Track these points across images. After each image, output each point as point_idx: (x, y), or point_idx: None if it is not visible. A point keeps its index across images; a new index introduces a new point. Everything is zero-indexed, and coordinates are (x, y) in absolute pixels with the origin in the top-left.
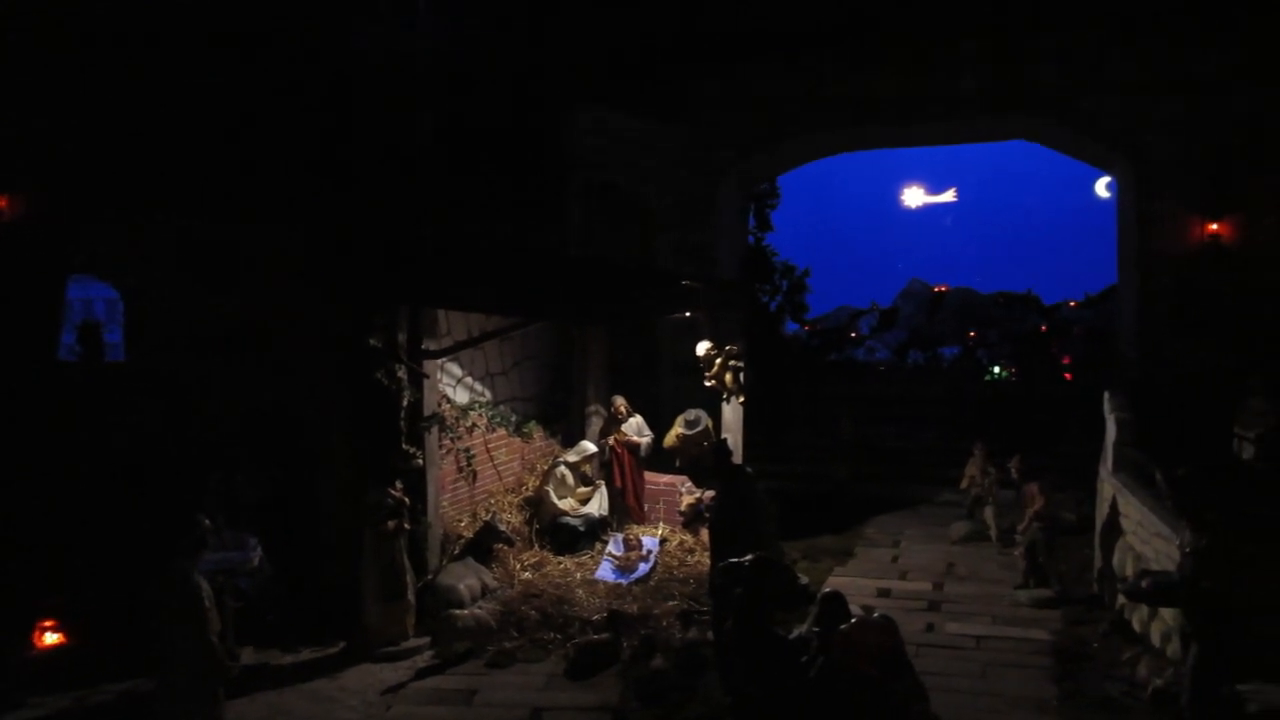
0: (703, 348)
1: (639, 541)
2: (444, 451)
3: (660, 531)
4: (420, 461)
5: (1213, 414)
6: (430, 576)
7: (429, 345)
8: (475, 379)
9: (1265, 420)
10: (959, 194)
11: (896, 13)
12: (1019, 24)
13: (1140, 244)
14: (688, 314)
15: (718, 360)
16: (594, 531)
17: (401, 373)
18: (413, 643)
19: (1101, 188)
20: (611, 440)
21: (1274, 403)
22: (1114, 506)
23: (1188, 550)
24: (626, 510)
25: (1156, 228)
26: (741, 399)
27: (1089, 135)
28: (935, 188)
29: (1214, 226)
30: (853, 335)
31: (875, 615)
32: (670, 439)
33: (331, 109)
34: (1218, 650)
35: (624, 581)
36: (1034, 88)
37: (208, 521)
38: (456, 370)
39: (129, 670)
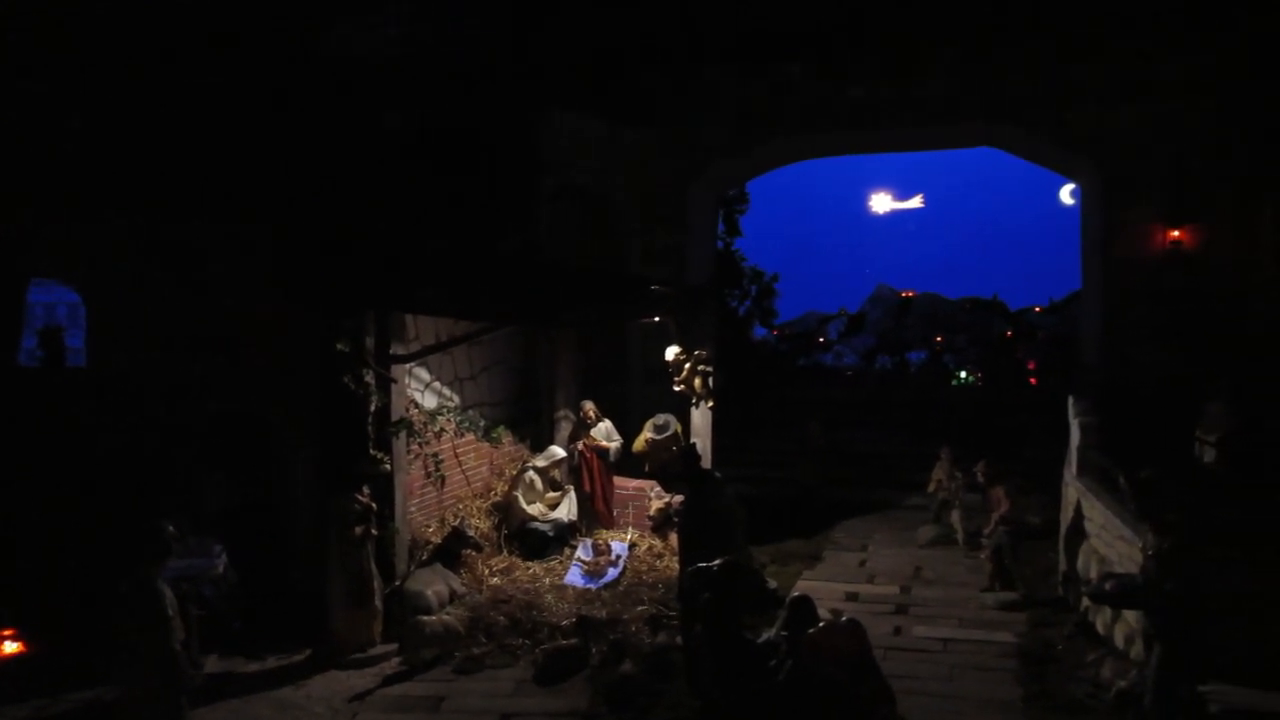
0: (672, 352)
1: (608, 546)
2: (412, 457)
3: (629, 536)
4: (388, 467)
5: (1175, 418)
6: (398, 582)
7: (397, 350)
8: (444, 384)
9: (1225, 424)
10: (926, 200)
11: (864, 20)
12: (985, 32)
13: (1103, 250)
14: (657, 319)
15: (687, 365)
16: (563, 536)
17: (369, 377)
18: (380, 649)
19: (1066, 194)
20: (580, 445)
21: (1233, 407)
22: (1078, 510)
23: (1150, 553)
24: (595, 515)
25: (1119, 234)
26: (710, 404)
27: (1053, 143)
28: (903, 194)
29: (1175, 233)
30: (821, 340)
31: (843, 619)
32: (639, 444)
33: (299, 109)
34: (1180, 652)
35: (593, 586)
36: (999, 96)
37: (171, 528)
38: (425, 375)
39: (90, 679)
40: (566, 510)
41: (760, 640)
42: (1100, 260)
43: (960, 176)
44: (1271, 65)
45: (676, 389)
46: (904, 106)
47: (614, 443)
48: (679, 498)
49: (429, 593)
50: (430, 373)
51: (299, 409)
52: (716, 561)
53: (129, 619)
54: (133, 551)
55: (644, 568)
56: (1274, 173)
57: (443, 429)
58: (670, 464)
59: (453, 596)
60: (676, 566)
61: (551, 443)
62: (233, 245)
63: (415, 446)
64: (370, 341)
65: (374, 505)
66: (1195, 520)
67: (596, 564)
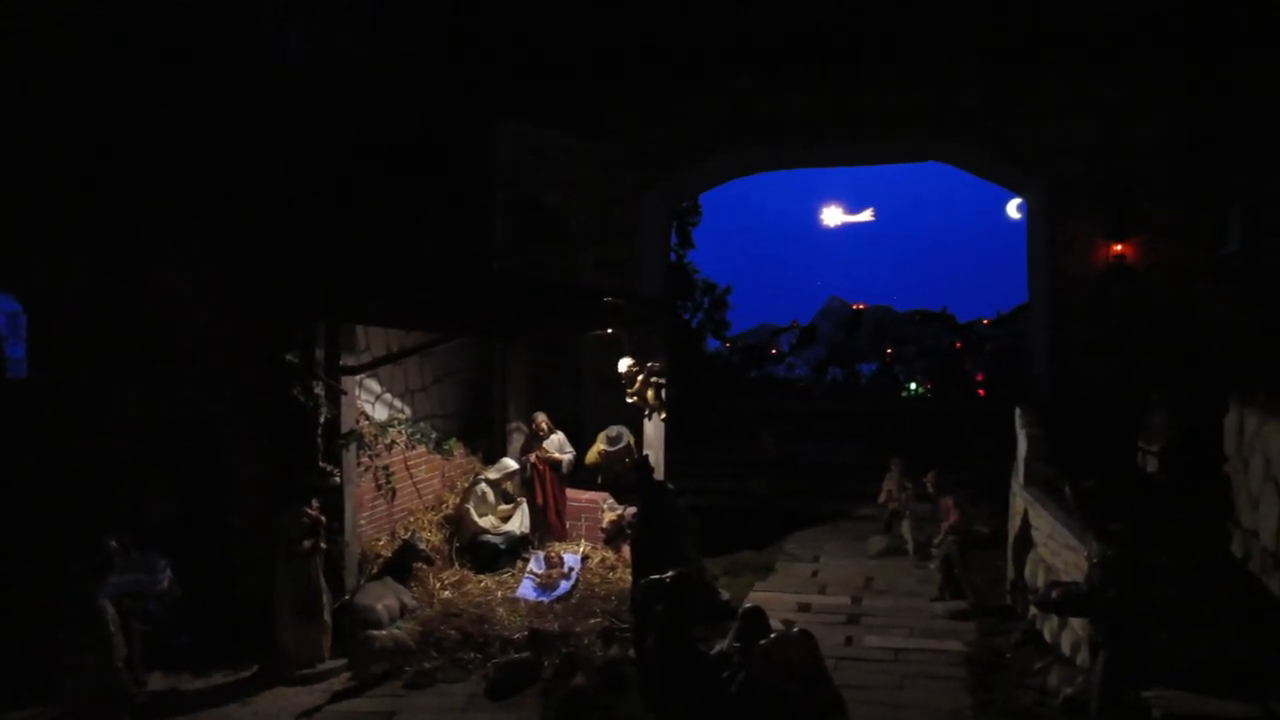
0: (625, 364)
1: (560, 559)
2: (362, 469)
3: (582, 549)
4: (337, 479)
5: (1119, 428)
6: (347, 597)
7: (347, 361)
8: (395, 395)
9: (1166, 435)
10: (877, 214)
11: (814, 36)
12: (933, 49)
13: (1049, 264)
14: (610, 330)
15: (640, 377)
16: (515, 549)
17: (319, 389)
18: (329, 665)
19: (1013, 209)
20: (533, 457)
21: (1174, 418)
22: (1025, 519)
23: (1095, 561)
24: (548, 527)
25: (1064, 248)
26: (663, 415)
27: (999, 158)
28: (854, 207)
29: (1119, 248)
30: (773, 352)
31: (795, 630)
32: (592, 455)
33: (249, 118)
34: (1124, 658)
35: (545, 599)
36: (946, 111)
37: (114, 542)
38: (376, 386)
39: (29, 698)
40: (519, 523)
41: (713, 652)
42: (1046, 273)
43: (910, 191)
44: (1210, 86)
45: (629, 401)
46: (853, 121)
47: (567, 455)
48: (632, 510)
49: (379, 607)
50: (381, 384)
51: (246, 421)
52: (669, 573)
53: (69, 635)
54: (74, 567)
55: (597, 580)
56: (1211, 189)
57: (394, 441)
58: (623, 476)
59: (403, 610)
60: (629, 579)
61: (504, 455)
62: (179, 254)
63: (366, 459)
64: (320, 353)
65: (323, 518)
66: (1138, 529)
67: (549, 577)
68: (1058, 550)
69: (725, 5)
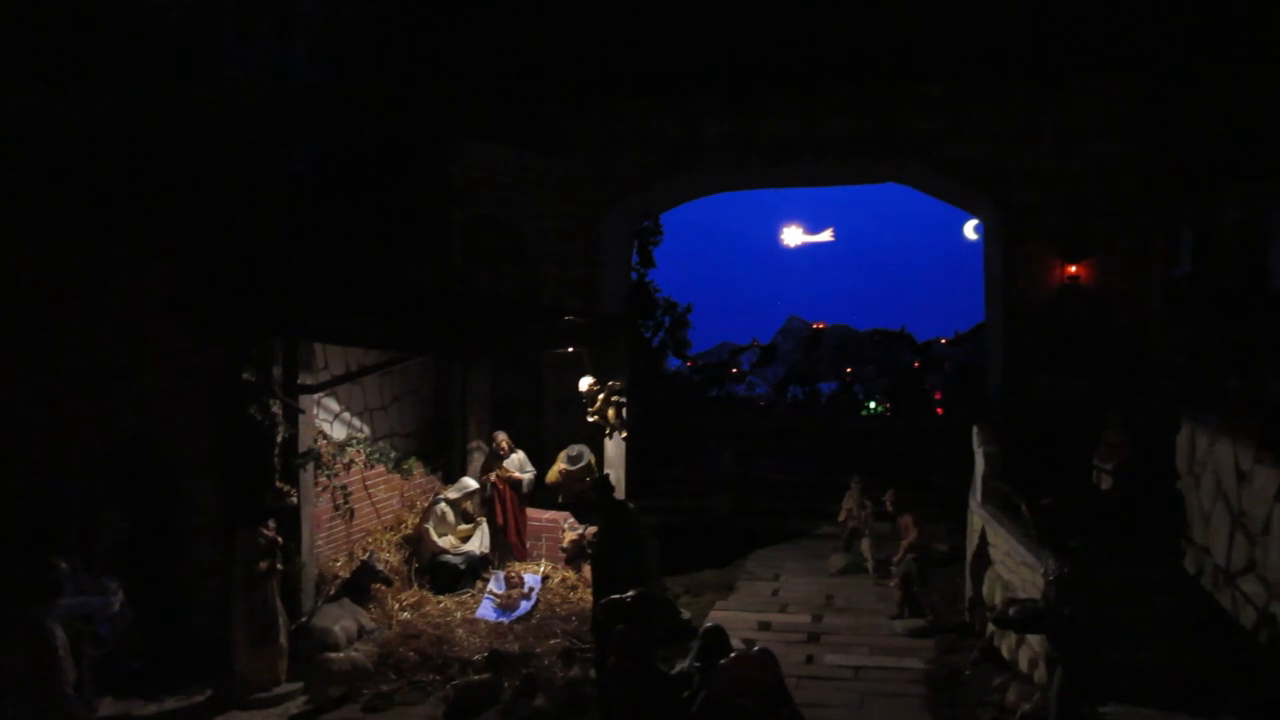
0: (585, 383)
1: (521, 579)
2: (320, 489)
3: (542, 568)
4: (294, 499)
5: (1074, 447)
6: (304, 618)
7: (305, 380)
8: (353, 414)
9: (1120, 453)
10: (836, 234)
11: (772, 58)
12: (891, 71)
13: (1005, 284)
14: (571, 349)
15: (600, 395)
16: (475, 569)
17: (276, 408)
18: (285, 688)
19: (970, 230)
20: (493, 476)
21: (1128, 436)
22: (983, 537)
23: (1051, 578)
24: (508, 547)
25: (1020, 269)
26: (624, 434)
27: (956, 180)
28: (814, 228)
29: (1073, 269)
30: (734, 371)
31: (755, 648)
32: (553, 475)
33: (203, 134)
34: (1080, 674)
35: (505, 620)
36: (905, 133)
37: (64, 565)
38: (334, 405)
39: None
40: (479, 543)
41: (674, 672)
42: (1002, 294)
43: (870, 211)
44: (1160, 109)
45: (590, 419)
46: (811, 142)
47: (527, 474)
48: (592, 529)
49: (336, 628)
50: (340, 403)
51: (201, 440)
52: (630, 593)
53: (16, 662)
54: (21, 589)
55: (557, 600)
56: (1163, 212)
57: (352, 460)
58: (584, 495)
59: (361, 632)
60: (590, 599)
61: (464, 474)
62: (130, 272)
63: (323, 479)
64: (277, 371)
65: (280, 539)
66: (1093, 546)
67: (509, 597)
68: (1015, 568)
69: (685, 28)
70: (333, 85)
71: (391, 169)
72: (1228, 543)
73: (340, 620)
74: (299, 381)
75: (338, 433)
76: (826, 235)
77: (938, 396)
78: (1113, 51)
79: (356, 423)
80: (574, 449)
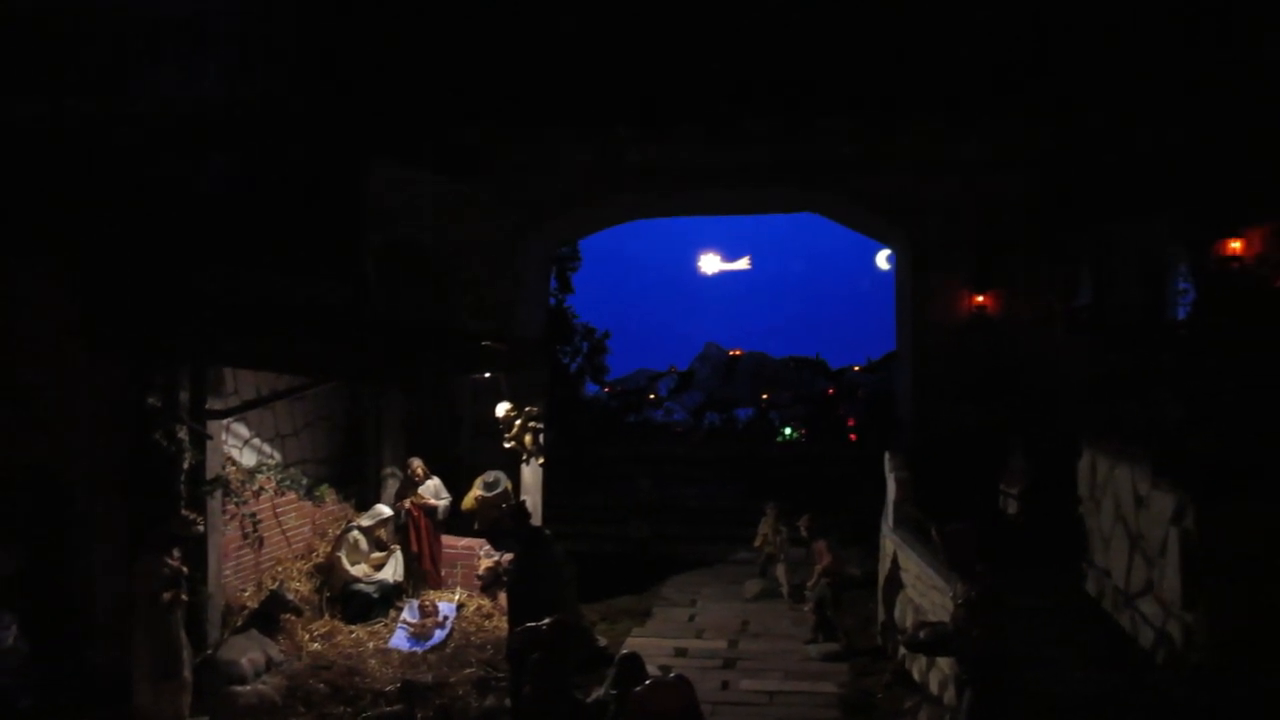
0: (502, 409)
1: (435, 607)
2: (228, 517)
3: (457, 596)
4: (201, 528)
5: (981, 472)
6: (209, 651)
7: (214, 404)
8: (264, 440)
9: (1024, 478)
10: (753, 262)
11: (691, 87)
12: (805, 102)
13: (916, 313)
14: (488, 374)
15: (517, 421)
16: (388, 598)
17: (183, 433)
18: None
19: (882, 260)
20: (408, 503)
21: (1032, 462)
22: (895, 561)
23: (959, 601)
24: (423, 575)
25: (930, 298)
26: (541, 460)
27: (868, 210)
28: (731, 255)
29: (980, 299)
30: (651, 397)
31: (671, 675)
32: (469, 501)
33: (106, 153)
34: (988, 696)
35: (419, 650)
36: (819, 163)
37: None
38: (244, 431)
39: None
40: (392, 571)
41: (590, 700)
42: (913, 322)
43: (787, 239)
44: (1062, 146)
45: (507, 445)
46: (727, 171)
47: (443, 501)
48: (509, 556)
49: (243, 661)
50: (250, 429)
51: (101, 466)
52: (546, 620)
53: None
54: None
55: (472, 629)
56: (1065, 245)
57: (262, 487)
58: (500, 521)
59: (269, 664)
60: (506, 626)
61: (378, 501)
62: (26, 292)
63: (232, 506)
64: (184, 395)
65: (185, 569)
66: (998, 569)
67: (423, 626)
68: (925, 591)
69: (603, 56)
70: (246, 105)
71: (306, 190)
72: (1127, 565)
73: (248, 652)
74: (207, 406)
75: (247, 459)
76: (743, 263)
77: (851, 423)
78: (1016, 89)
79: (267, 449)
80: (490, 475)
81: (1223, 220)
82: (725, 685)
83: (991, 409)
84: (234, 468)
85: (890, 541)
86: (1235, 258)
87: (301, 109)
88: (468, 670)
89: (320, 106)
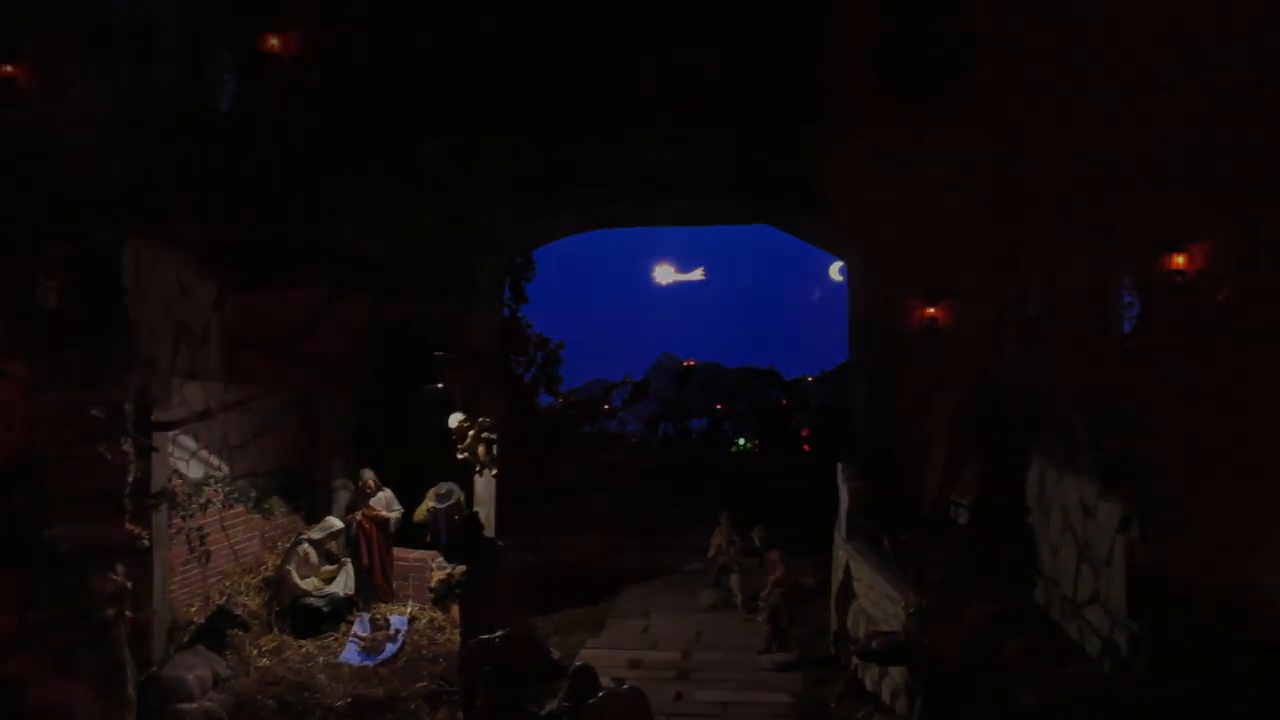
0: (455, 419)
1: (386, 621)
2: (174, 531)
3: (409, 610)
4: (146, 542)
5: (933, 482)
6: (154, 668)
7: (160, 415)
8: (212, 452)
9: (975, 488)
10: (707, 273)
11: (645, 96)
12: (757, 114)
13: (868, 324)
14: (440, 385)
15: (471, 432)
16: (339, 612)
17: (127, 445)
18: None
19: (835, 271)
20: (359, 515)
21: (982, 472)
22: (848, 571)
23: (910, 611)
24: (374, 588)
25: (881, 309)
26: (494, 471)
27: (820, 222)
28: (685, 266)
29: (931, 310)
30: (606, 407)
31: (625, 687)
32: (421, 513)
33: (45, 154)
34: (939, 704)
35: (370, 663)
36: (769, 175)
37: None
38: (190, 443)
39: None
40: (343, 584)
41: (543, 712)
42: (865, 333)
43: (740, 251)
44: (1015, 160)
45: (460, 456)
46: (683, 182)
47: (394, 512)
48: (461, 568)
49: (189, 678)
50: (197, 441)
51: (43, 479)
52: (498, 633)
53: None
54: None
55: (424, 642)
56: (1014, 257)
57: (209, 500)
58: (453, 533)
59: (216, 681)
60: (458, 639)
61: (328, 513)
62: None
63: (178, 520)
64: (129, 406)
65: (129, 584)
66: (950, 579)
67: (374, 639)
68: (878, 600)
69: (559, 65)
70: (193, 112)
71: (253, 198)
72: (1074, 574)
73: (194, 669)
74: (152, 418)
75: (194, 471)
76: (698, 274)
77: (804, 433)
78: (970, 99)
79: (214, 461)
80: (443, 486)
81: (1166, 236)
82: (679, 696)
83: (944, 419)
84: (180, 481)
85: (843, 552)
86: (1179, 272)
87: (250, 115)
88: (419, 684)
89: (269, 114)
